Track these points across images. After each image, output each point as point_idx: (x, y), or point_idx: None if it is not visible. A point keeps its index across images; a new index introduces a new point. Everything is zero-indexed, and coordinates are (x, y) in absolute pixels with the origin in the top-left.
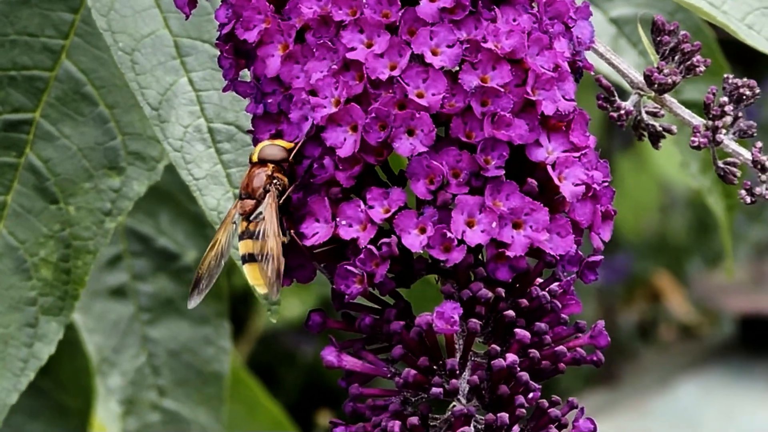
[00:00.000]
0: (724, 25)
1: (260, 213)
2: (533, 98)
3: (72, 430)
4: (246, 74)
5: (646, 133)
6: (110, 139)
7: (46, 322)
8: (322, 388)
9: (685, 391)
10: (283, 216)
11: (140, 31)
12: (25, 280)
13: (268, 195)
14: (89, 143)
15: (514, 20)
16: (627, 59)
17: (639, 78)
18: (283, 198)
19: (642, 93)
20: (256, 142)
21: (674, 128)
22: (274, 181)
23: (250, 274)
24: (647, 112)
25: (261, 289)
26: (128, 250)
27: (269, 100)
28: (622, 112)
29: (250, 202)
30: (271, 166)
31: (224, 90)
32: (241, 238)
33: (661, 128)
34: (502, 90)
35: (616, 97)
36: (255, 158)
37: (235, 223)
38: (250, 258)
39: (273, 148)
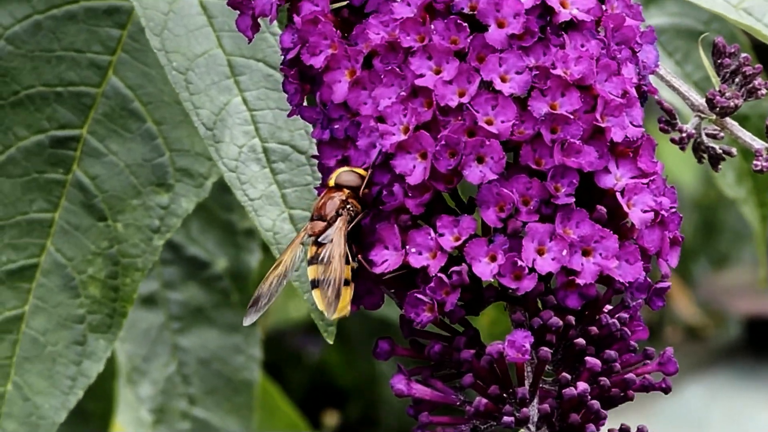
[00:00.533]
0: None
1: (328, 235)
2: (602, 125)
3: None
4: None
5: (705, 156)
6: (158, 156)
7: (94, 340)
8: (329, 387)
9: (691, 392)
10: (352, 242)
11: (194, 51)
12: (73, 298)
13: (339, 219)
14: (137, 160)
15: (582, 46)
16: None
17: (700, 101)
18: (353, 224)
19: (703, 116)
20: (321, 167)
21: (734, 151)
22: (348, 206)
23: (318, 299)
24: (707, 135)
25: (328, 315)
26: (159, 258)
27: (336, 126)
28: (684, 135)
29: (321, 224)
30: (346, 191)
31: (289, 115)
32: (310, 263)
33: (721, 151)
34: (572, 117)
35: (678, 120)
36: (332, 183)
37: (303, 244)
38: (317, 283)
39: (350, 174)
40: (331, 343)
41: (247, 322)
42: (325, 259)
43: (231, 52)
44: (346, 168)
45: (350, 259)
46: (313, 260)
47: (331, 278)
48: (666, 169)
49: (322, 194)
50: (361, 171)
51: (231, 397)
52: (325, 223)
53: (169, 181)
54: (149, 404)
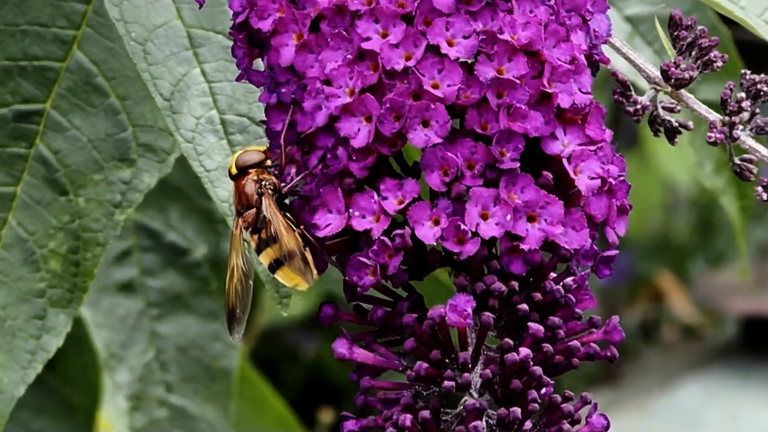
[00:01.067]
0: (741, 20)
1: (264, 217)
2: (549, 90)
3: (78, 426)
4: (259, 63)
5: (662, 129)
6: (121, 131)
7: (54, 314)
8: (324, 385)
9: (687, 391)
10: (286, 212)
11: (153, 22)
12: (33, 272)
13: (263, 198)
14: (100, 135)
15: (531, 12)
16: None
17: (656, 73)
18: (288, 188)
19: (658, 88)
20: (269, 132)
21: (690, 124)
22: (263, 182)
23: (285, 278)
24: (663, 108)
25: (302, 287)
26: (137, 245)
27: (283, 90)
28: (639, 107)
29: (251, 212)
30: (253, 171)
31: (237, 79)
32: (259, 251)
33: (677, 124)
34: (518, 82)
35: (633, 92)
36: (234, 170)
37: (245, 241)
38: (277, 264)
39: (248, 154)
40: (285, 315)
41: (236, 338)
42: (275, 237)
43: (190, 23)
44: (238, 152)
45: (295, 226)
46: (261, 246)
47: (292, 251)
48: (662, 168)
49: (234, 187)
50: (256, 147)
51: (209, 385)
52: (254, 209)
53: (131, 156)
54: (126, 391)
